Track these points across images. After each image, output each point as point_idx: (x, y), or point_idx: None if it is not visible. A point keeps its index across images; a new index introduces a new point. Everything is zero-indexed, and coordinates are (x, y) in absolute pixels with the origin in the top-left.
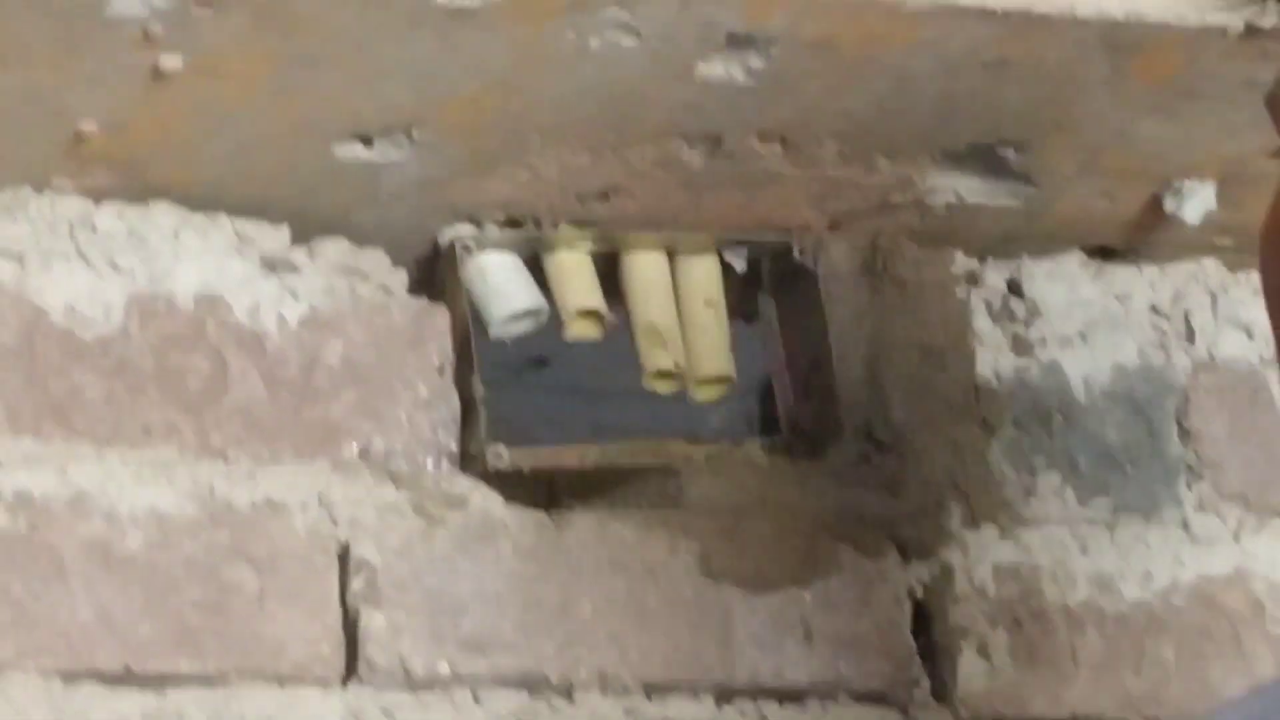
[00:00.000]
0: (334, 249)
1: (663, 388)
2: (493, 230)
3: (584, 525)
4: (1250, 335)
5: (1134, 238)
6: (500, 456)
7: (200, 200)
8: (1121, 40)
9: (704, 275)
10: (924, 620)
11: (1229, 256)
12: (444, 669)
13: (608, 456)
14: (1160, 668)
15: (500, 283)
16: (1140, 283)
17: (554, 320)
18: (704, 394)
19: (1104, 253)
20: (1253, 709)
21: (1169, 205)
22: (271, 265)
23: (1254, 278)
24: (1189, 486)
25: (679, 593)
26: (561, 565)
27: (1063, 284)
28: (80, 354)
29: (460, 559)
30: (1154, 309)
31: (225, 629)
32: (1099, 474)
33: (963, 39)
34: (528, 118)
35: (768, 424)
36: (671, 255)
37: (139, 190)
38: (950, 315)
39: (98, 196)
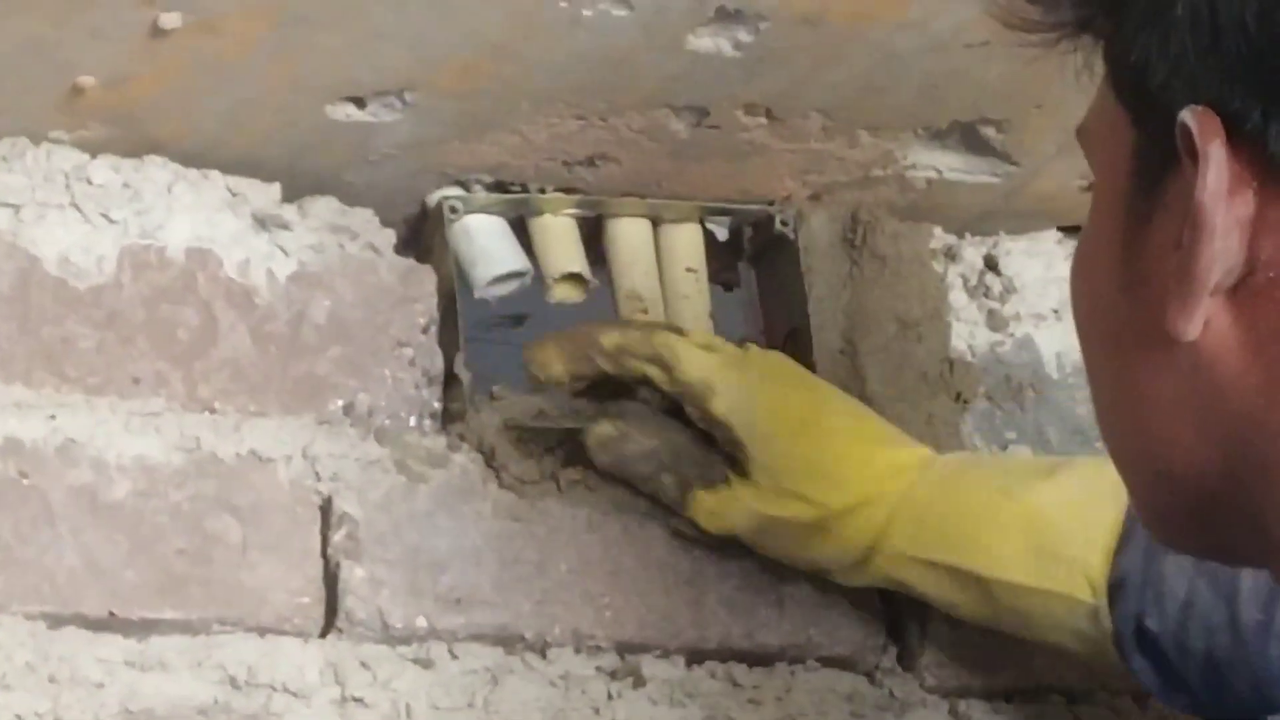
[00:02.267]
0: (324, 207)
1: None
2: (480, 193)
3: (563, 486)
4: None
5: None
6: (481, 416)
7: (194, 156)
8: None
9: (686, 243)
10: None
11: None
12: (422, 623)
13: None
14: None
15: (486, 245)
16: None
17: (538, 283)
18: None
19: (1079, 231)
20: None
21: None
22: (262, 222)
23: None
24: None
25: (654, 555)
26: (539, 525)
27: (1039, 261)
28: (73, 304)
29: (440, 515)
30: None
31: (208, 578)
32: (1069, 447)
33: (948, 19)
34: (519, 84)
35: None
36: (655, 222)
37: (134, 144)
38: (927, 289)
39: (94, 149)
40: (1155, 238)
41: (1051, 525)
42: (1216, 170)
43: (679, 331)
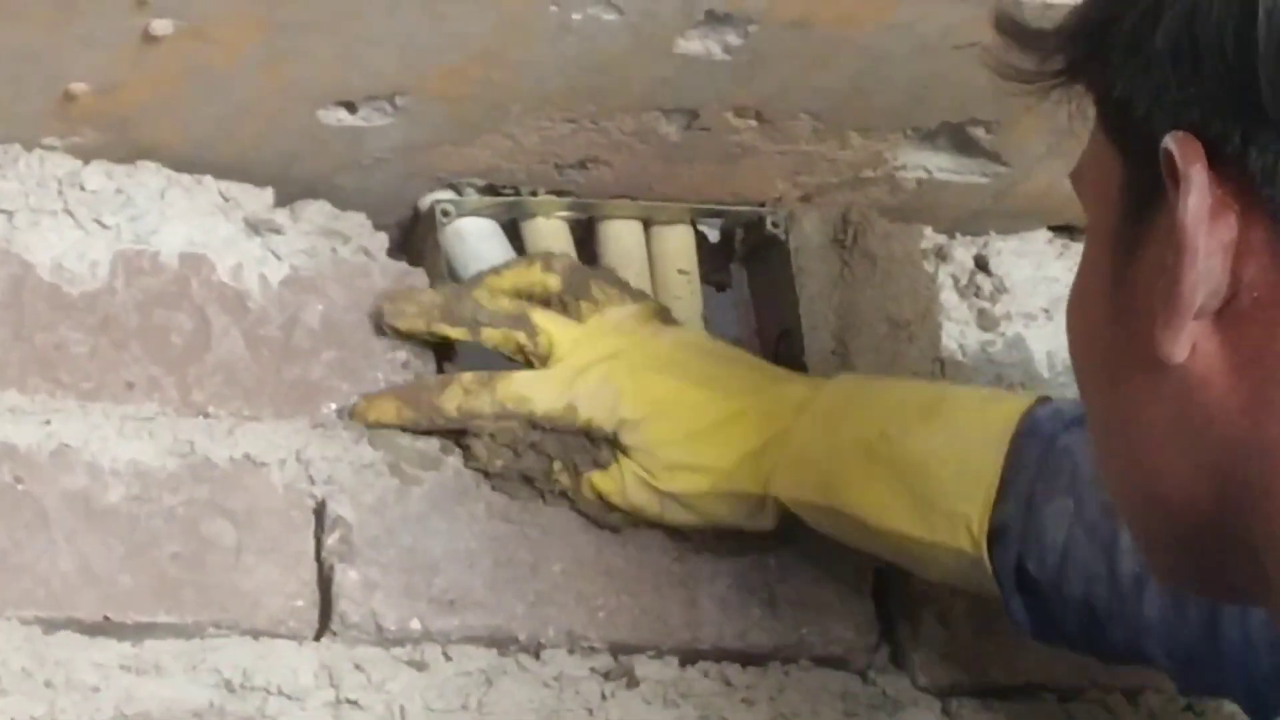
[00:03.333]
0: (316, 211)
1: None
2: (472, 197)
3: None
4: None
5: None
6: None
7: (187, 161)
8: None
9: (678, 245)
10: (885, 587)
11: None
12: (415, 625)
13: None
14: None
15: (478, 248)
16: None
17: None
18: None
19: (1070, 231)
20: None
21: None
22: (255, 226)
23: None
24: None
25: (647, 556)
26: (532, 526)
27: (1029, 261)
28: (66, 309)
29: (434, 518)
30: None
31: (202, 581)
32: None
33: (936, 21)
34: (509, 88)
35: None
36: (647, 225)
37: (127, 150)
38: (918, 289)
39: (86, 156)
40: (1143, 266)
41: (932, 476)
42: (1199, 193)
43: (530, 330)
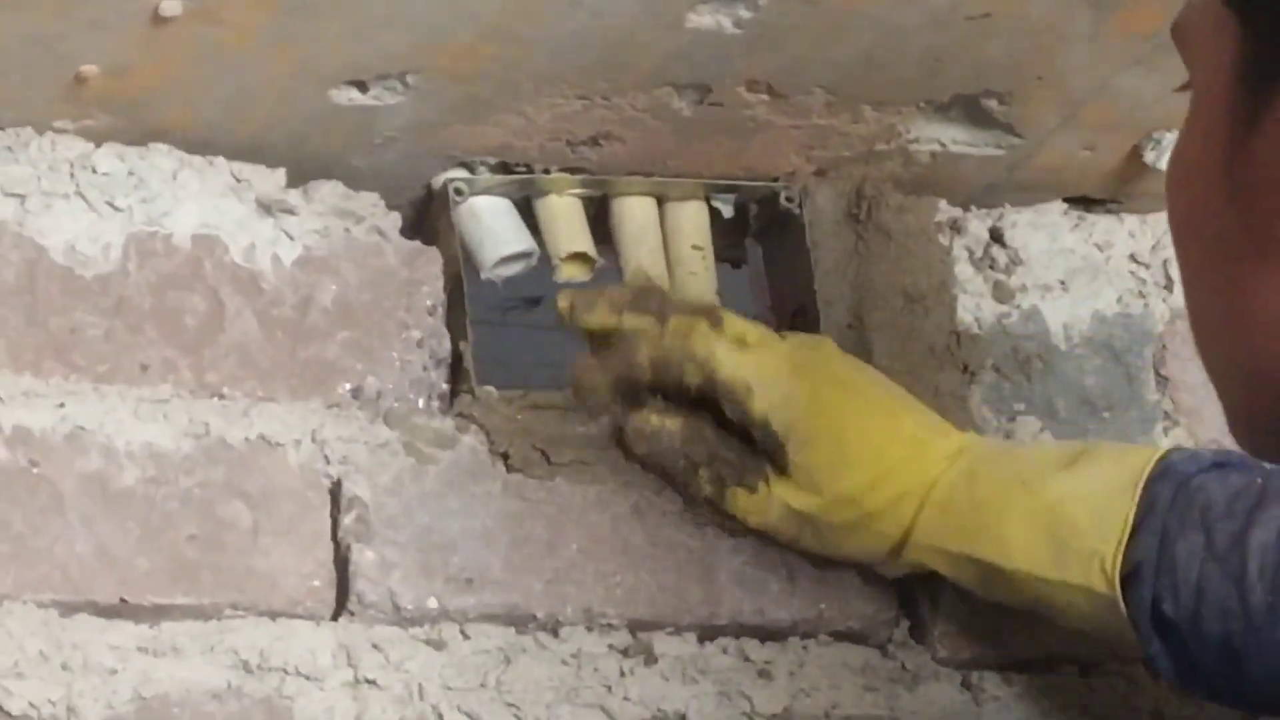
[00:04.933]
0: (329, 191)
1: None
2: (485, 175)
3: (565, 474)
4: None
5: (1114, 188)
6: (490, 397)
7: (198, 143)
8: None
9: (692, 220)
10: None
11: None
12: (433, 604)
13: None
14: None
15: (492, 226)
16: (1120, 232)
17: (544, 263)
18: None
19: (1085, 202)
20: None
21: (1149, 156)
22: (268, 207)
23: None
24: (1165, 433)
25: (664, 532)
26: (549, 504)
27: (1044, 233)
28: (80, 292)
29: (450, 497)
30: (1133, 258)
31: (219, 563)
32: (1077, 419)
33: None
34: (521, 65)
35: None
36: (660, 201)
37: (138, 132)
38: (933, 262)
39: (98, 138)
40: (1264, 144)
41: (1067, 517)
42: None
43: (716, 320)
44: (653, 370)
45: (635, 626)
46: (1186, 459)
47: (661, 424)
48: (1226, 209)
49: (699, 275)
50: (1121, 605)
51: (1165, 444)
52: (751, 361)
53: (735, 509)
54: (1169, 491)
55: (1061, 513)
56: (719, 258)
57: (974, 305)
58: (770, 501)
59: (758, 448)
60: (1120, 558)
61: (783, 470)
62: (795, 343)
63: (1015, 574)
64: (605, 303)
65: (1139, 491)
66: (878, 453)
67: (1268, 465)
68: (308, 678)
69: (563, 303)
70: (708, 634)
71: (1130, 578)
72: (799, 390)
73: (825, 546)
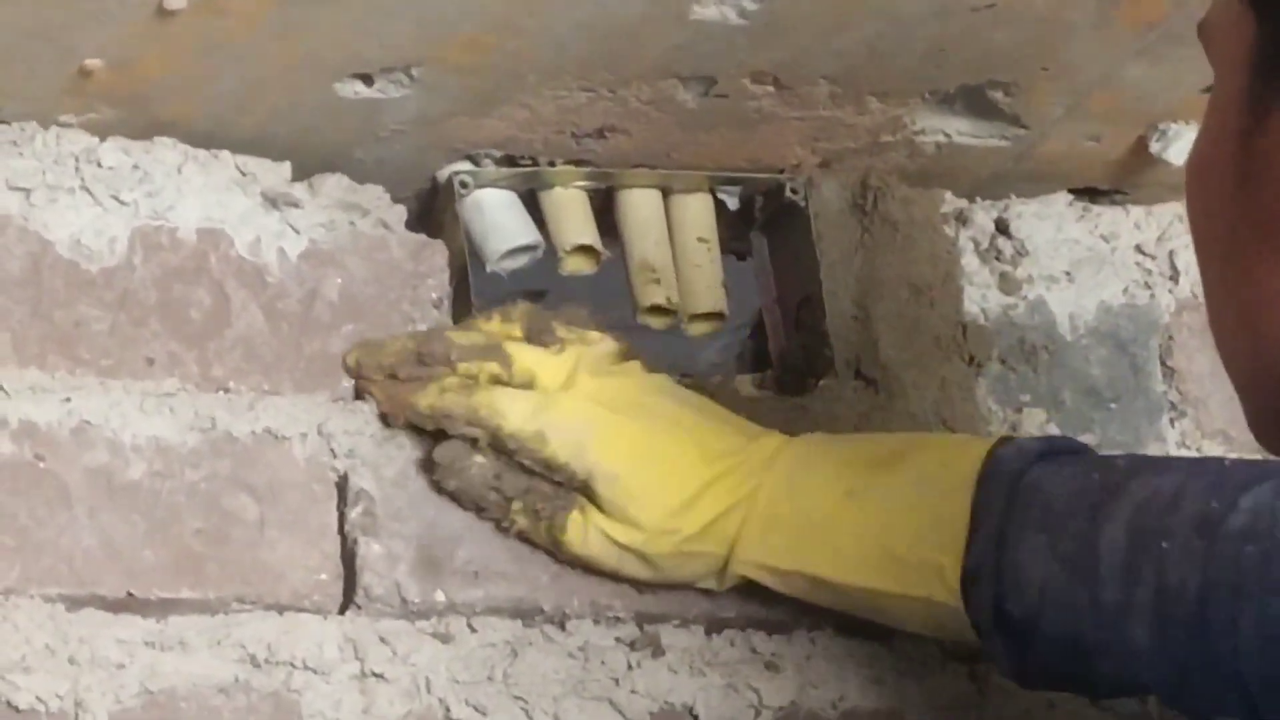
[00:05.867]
0: (334, 185)
1: (656, 323)
2: (490, 167)
3: None
4: None
5: (1120, 179)
6: None
7: (203, 136)
8: None
9: (697, 213)
10: None
11: None
12: (440, 598)
13: None
14: None
15: (497, 219)
16: (1126, 223)
17: (550, 256)
18: (696, 330)
19: (1090, 193)
20: None
21: (1154, 147)
22: (273, 200)
23: None
24: (1172, 424)
25: None
26: None
27: (1050, 224)
28: (85, 286)
29: None
30: (1139, 249)
31: (225, 557)
32: (1083, 411)
33: None
34: (526, 57)
35: (759, 360)
36: (666, 193)
37: (143, 126)
38: (939, 253)
39: (103, 132)
40: (1275, 133)
41: (898, 529)
42: None
43: (503, 361)
44: (435, 423)
45: (642, 619)
46: (1012, 454)
47: (470, 458)
48: (1236, 200)
49: (704, 267)
50: (963, 611)
51: (1172, 435)
52: (541, 406)
53: (552, 543)
54: (1002, 492)
55: (892, 524)
56: (724, 250)
57: (980, 296)
58: (588, 533)
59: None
60: (959, 567)
61: (596, 506)
62: (587, 359)
63: (851, 588)
64: (390, 355)
65: (970, 494)
66: (686, 475)
67: (1098, 454)
68: (315, 671)
69: (349, 357)
70: (715, 626)
71: (969, 583)
72: (595, 427)
73: (650, 574)
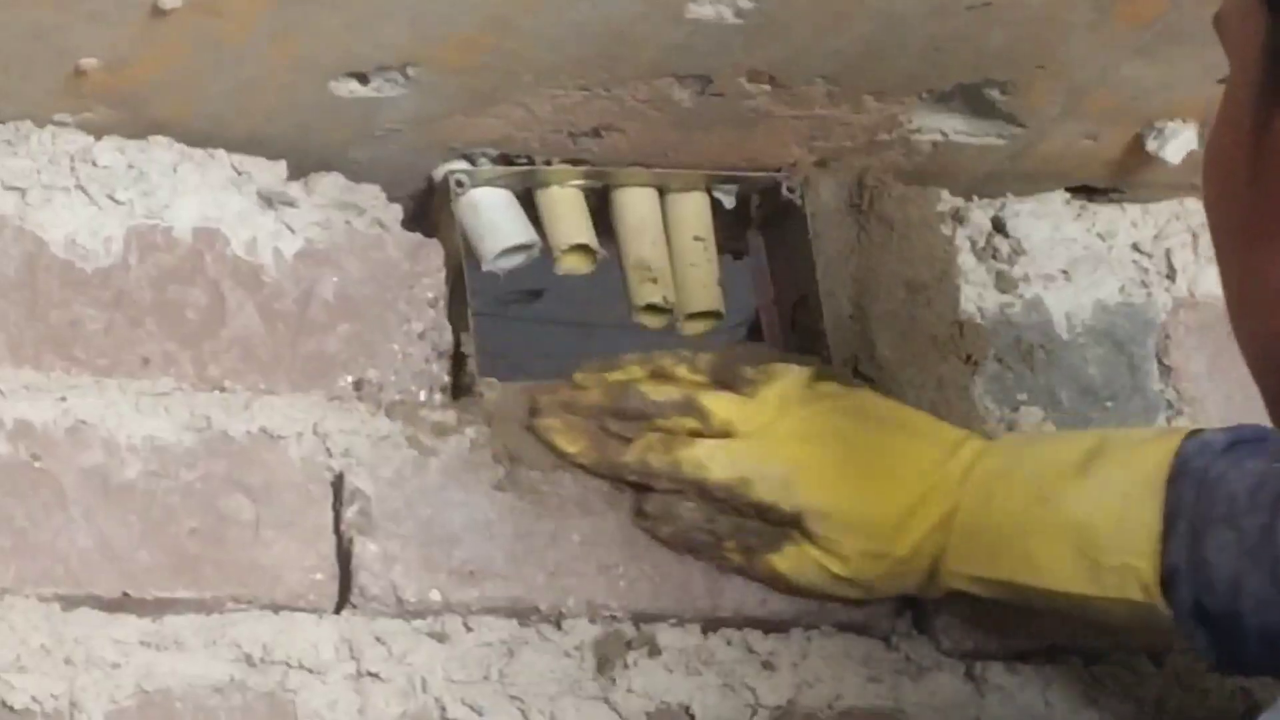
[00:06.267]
0: (330, 184)
1: (652, 322)
2: (486, 166)
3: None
4: None
5: (1117, 177)
6: (492, 389)
7: (199, 136)
8: None
9: (693, 212)
10: None
11: None
12: (436, 597)
13: None
14: None
15: (493, 218)
16: (1123, 221)
17: (545, 255)
18: (693, 329)
19: (1087, 192)
20: None
21: (1151, 145)
22: (269, 200)
23: None
24: (1169, 422)
25: None
26: (552, 496)
27: (1046, 222)
28: (80, 286)
29: (452, 489)
30: (1136, 247)
31: (221, 556)
32: (1080, 409)
33: None
34: (522, 56)
35: None
36: (662, 192)
37: (139, 125)
38: (935, 252)
39: (98, 131)
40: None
41: (1091, 532)
42: None
43: (701, 416)
44: (642, 479)
45: (638, 618)
46: (1199, 450)
47: (680, 506)
48: (1249, 191)
49: (700, 267)
50: (1166, 610)
51: None
52: (742, 452)
53: (769, 576)
54: (1191, 492)
55: (1084, 528)
56: (721, 249)
57: (976, 295)
58: (803, 564)
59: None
60: (1156, 570)
61: (807, 538)
62: (777, 397)
63: (1050, 593)
64: (583, 413)
65: (1160, 495)
66: (890, 502)
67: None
68: (310, 671)
69: (535, 415)
70: (711, 625)
71: (1168, 583)
72: (797, 467)
73: (863, 594)
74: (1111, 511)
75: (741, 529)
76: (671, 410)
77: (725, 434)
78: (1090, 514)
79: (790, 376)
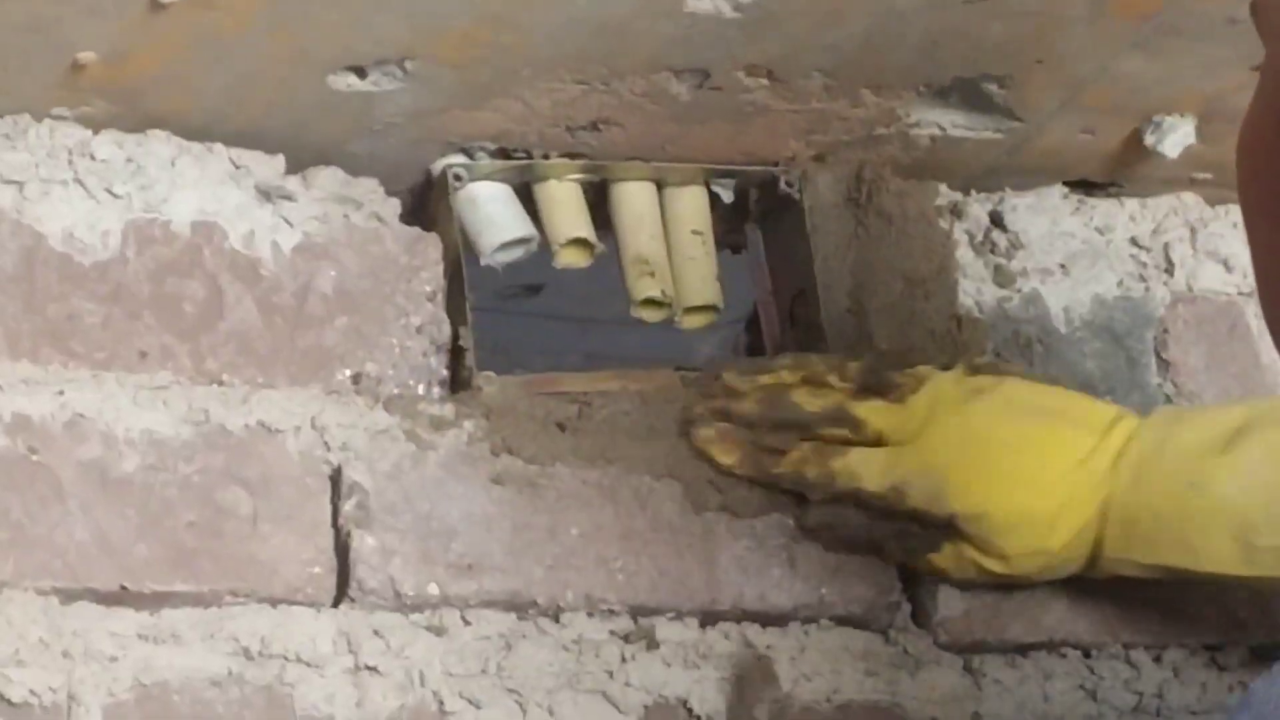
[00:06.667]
0: (328, 178)
1: (651, 316)
2: (484, 160)
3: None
4: (1228, 268)
5: (1115, 172)
6: (490, 383)
7: (197, 129)
8: None
9: (692, 206)
10: None
11: (1208, 191)
12: (433, 591)
13: (595, 383)
14: (1138, 592)
15: (491, 212)
16: (1120, 216)
17: (544, 249)
18: (691, 323)
19: (1085, 186)
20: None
21: (1149, 140)
22: (267, 193)
23: (1233, 212)
24: None
25: (665, 517)
26: (550, 490)
27: (1044, 216)
28: (78, 280)
29: (450, 483)
30: (1134, 241)
31: (219, 550)
32: None
33: None
34: (519, 51)
35: (754, 352)
36: (660, 186)
37: (137, 119)
38: (933, 246)
39: (96, 125)
40: None
41: (1246, 517)
42: None
43: (854, 427)
44: (797, 489)
45: (636, 612)
46: None
47: (840, 515)
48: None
49: (699, 260)
50: None
51: None
52: (895, 461)
53: (929, 572)
54: None
55: (1236, 512)
56: (719, 243)
57: (974, 289)
58: (961, 562)
59: None
60: None
61: (965, 540)
62: (928, 402)
63: (1208, 575)
64: (740, 426)
65: None
66: (1044, 498)
67: None
68: (308, 665)
69: (698, 432)
70: (709, 619)
71: None
72: (949, 472)
73: (1028, 582)
74: (1260, 492)
75: (901, 533)
76: (825, 422)
77: (877, 443)
78: (1239, 497)
79: (938, 380)
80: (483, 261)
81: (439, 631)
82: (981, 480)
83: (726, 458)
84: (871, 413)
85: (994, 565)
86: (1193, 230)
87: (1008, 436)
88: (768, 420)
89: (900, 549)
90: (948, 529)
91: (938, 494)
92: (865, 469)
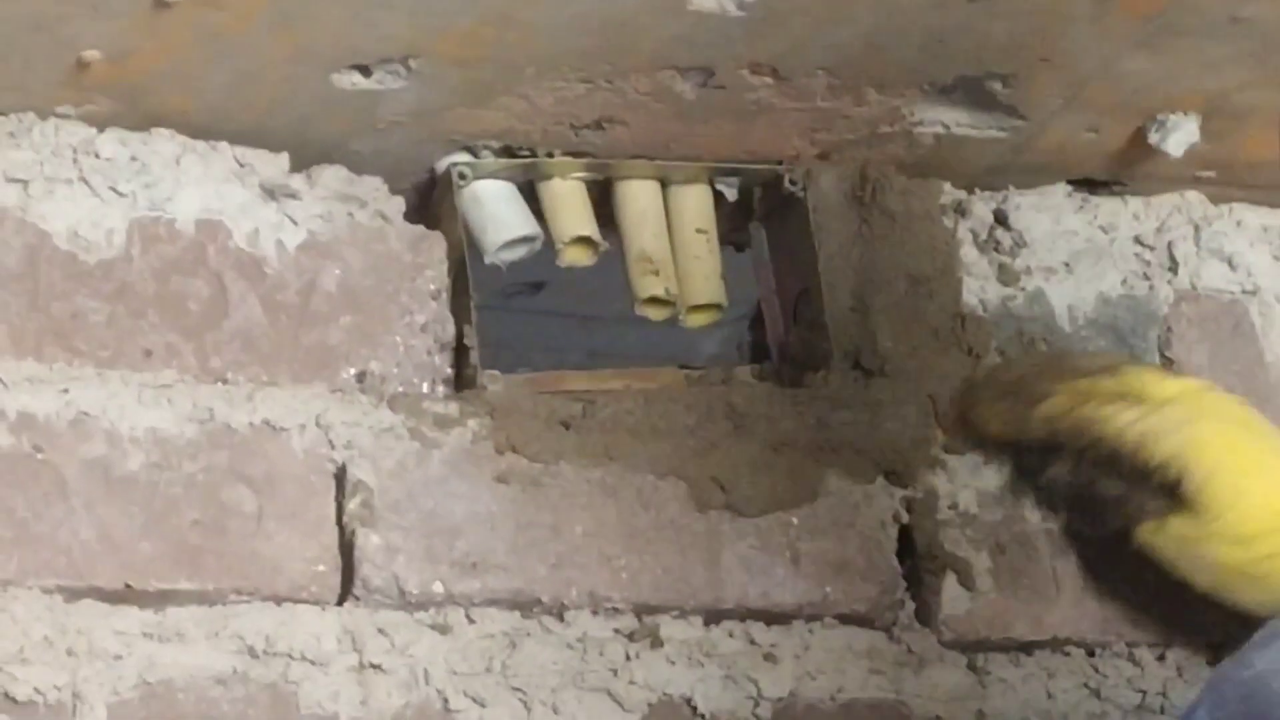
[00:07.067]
0: (332, 176)
1: (654, 314)
2: (489, 159)
3: (577, 449)
4: (1232, 266)
5: (1119, 170)
6: (494, 381)
7: (201, 128)
8: None
9: (696, 204)
10: (909, 544)
11: (1212, 189)
12: (438, 589)
13: (599, 382)
14: (1142, 591)
15: (495, 210)
16: (1124, 214)
17: (548, 247)
18: (695, 321)
19: (1089, 184)
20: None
21: (1153, 138)
22: (271, 192)
23: (1237, 210)
24: None
25: (669, 516)
26: (554, 488)
27: (1048, 215)
28: (82, 278)
29: (454, 481)
30: (1138, 240)
31: (224, 548)
32: None
33: None
34: (523, 49)
35: (758, 351)
36: (664, 184)
37: (141, 117)
38: (937, 245)
39: (100, 123)
40: None
41: None
42: None
43: (1112, 372)
44: (1046, 427)
45: (641, 610)
46: None
47: (1076, 472)
48: None
49: (703, 259)
50: None
51: None
52: (1144, 409)
53: (1148, 547)
54: None
55: None
56: (723, 241)
57: (978, 288)
58: (1182, 541)
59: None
60: None
61: (1192, 513)
62: (1198, 382)
63: None
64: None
65: None
66: (1274, 496)
67: None
68: (313, 663)
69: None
70: (713, 617)
71: None
72: (1195, 430)
73: (1219, 590)
74: None
75: (1125, 499)
76: (1094, 371)
77: (1140, 399)
78: None
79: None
80: (487, 260)
81: (443, 630)
82: (1227, 451)
83: (986, 424)
84: (1144, 370)
85: (1223, 552)
86: (1196, 229)
87: (1261, 425)
88: (1038, 373)
89: (1122, 514)
90: (1178, 502)
91: (1182, 451)
92: (1120, 415)
